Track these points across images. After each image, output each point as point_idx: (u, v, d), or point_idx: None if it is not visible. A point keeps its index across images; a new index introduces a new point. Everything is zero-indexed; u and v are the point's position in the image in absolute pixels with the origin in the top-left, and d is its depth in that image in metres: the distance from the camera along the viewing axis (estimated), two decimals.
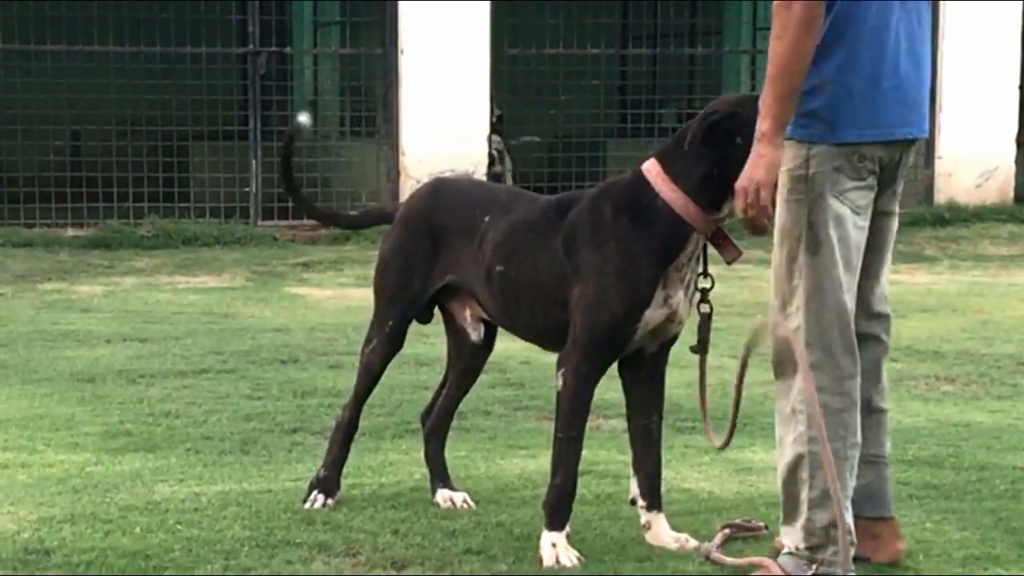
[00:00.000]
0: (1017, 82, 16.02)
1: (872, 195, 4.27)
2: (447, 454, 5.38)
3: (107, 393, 7.18)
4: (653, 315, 4.58)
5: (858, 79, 4.17)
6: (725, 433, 4.74)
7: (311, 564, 4.54)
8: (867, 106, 4.19)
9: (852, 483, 4.30)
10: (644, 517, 4.84)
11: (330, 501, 5.14)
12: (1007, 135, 15.92)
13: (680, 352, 4.90)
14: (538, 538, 4.64)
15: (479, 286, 4.91)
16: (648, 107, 16.29)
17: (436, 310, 5.19)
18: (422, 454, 5.38)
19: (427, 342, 7.27)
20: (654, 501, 4.83)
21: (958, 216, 15.15)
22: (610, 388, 5.40)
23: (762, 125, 4.19)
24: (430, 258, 5.03)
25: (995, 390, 7.49)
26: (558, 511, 4.62)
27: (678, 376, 6.04)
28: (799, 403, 4.25)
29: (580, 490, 4.79)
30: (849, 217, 4.22)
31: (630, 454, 4.94)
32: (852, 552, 4.33)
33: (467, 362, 5.30)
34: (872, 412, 4.50)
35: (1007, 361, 8.19)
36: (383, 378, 5.26)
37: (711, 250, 4.65)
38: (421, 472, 5.41)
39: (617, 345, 4.63)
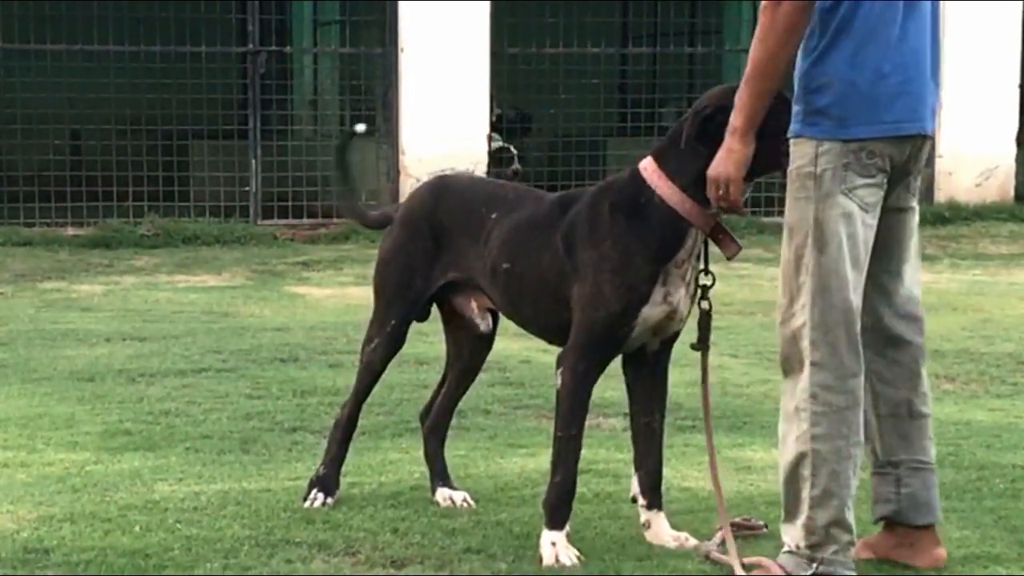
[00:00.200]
0: (1017, 81, 16.03)
1: (881, 193, 4.26)
2: (447, 453, 5.38)
3: (107, 392, 7.18)
4: (652, 313, 4.58)
5: (864, 76, 4.17)
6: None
7: (311, 563, 4.54)
8: (874, 103, 4.19)
9: (855, 482, 4.30)
10: (644, 515, 4.83)
11: (329, 500, 5.14)
12: (1007, 134, 15.93)
13: (680, 351, 4.89)
14: (538, 537, 4.63)
15: (485, 283, 4.91)
16: (648, 106, 16.29)
17: (435, 308, 5.18)
18: (421, 453, 5.38)
19: (427, 341, 7.27)
20: (654, 499, 4.83)
21: (958, 215, 15.16)
22: (609, 387, 5.40)
23: (735, 120, 4.26)
24: (431, 257, 5.02)
25: (995, 389, 7.49)
26: (558, 510, 4.62)
27: (678, 375, 6.03)
28: (803, 401, 4.25)
29: (580, 489, 4.79)
30: (858, 214, 4.22)
31: (631, 452, 4.93)
32: (852, 552, 4.34)
33: (467, 361, 5.30)
34: (914, 417, 4.49)
35: (1007, 360, 8.19)
36: (383, 377, 5.26)
37: (713, 248, 4.65)
38: (421, 471, 5.41)
39: (615, 343, 4.62)
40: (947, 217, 14.96)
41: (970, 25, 14.81)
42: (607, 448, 5.99)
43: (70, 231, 13.82)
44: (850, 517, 4.28)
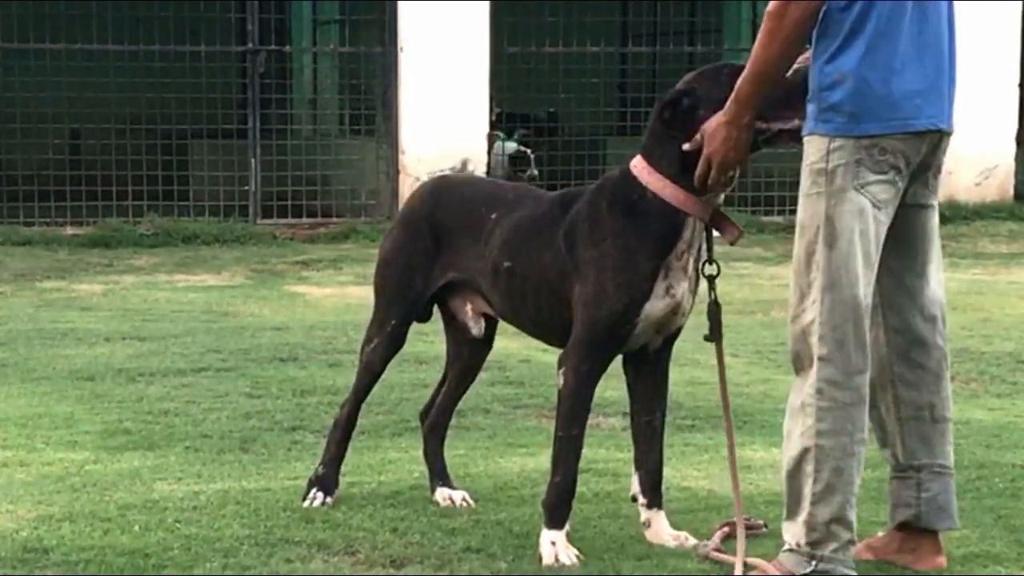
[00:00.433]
0: (1017, 80, 16.03)
1: (894, 190, 4.26)
2: (446, 452, 5.37)
3: (106, 391, 7.18)
4: (654, 308, 4.57)
5: (877, 74, 4.17)
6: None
7: (310, 562, 4.54)
8: (887, 100, 4.18)
9: (858, 480, 4.29)
10: (644, 515, 4.83)
11: (329, 499, 5.14)
12: (1007, 133, 15.93)
13: (680, 350, 4.89)
14: (537, 536, 4.63)
15: (485, 283, 4.90)
16: (648, 105, 16.16)
17: (435, 308, 5.18)
18: (421, 452, 5.38)
19: (427, 340, 7.27)
20: (655, 498, 4.83)
21: (958, 214, 15.16)
22: (609, 386, 5.40)
23: (738, 113, 4.29)
24: (432, 257, 5.02)
25: (995, 388, 7.49)
26: (558, 509, 4.62)
27: (678, 374, 6.04)
28: (809, 396, 4.24)
29: (580, 488, 4.79)
30: (870, 211, 4.22)
31: (631, 451, 4.93)
32: (852, 551, 4.34)
33: (467, 360, 5.29)
34: (936, 421, 4.49)
35: (1007, 359, 8.19)
36: (382, 376, 5.26)
37: (716, 250, 4.65)
38: (420, 470, 5.41)
39: (617, 342, 4.62)
40: (947, 216, 14.92)
41: (970, 24, 14.80)
42: (607, 447, 5.99)
43: (69, 230, 13.82)
44: (851, 515, 4.28)
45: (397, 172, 14.58)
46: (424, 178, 9.87)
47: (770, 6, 4.18)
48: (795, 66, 4.36)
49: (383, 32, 14.91)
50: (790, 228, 4.42)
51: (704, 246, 4.63)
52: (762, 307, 10.28)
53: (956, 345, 8.41)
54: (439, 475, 5.28)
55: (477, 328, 5.10)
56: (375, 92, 15.36)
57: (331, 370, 7.65)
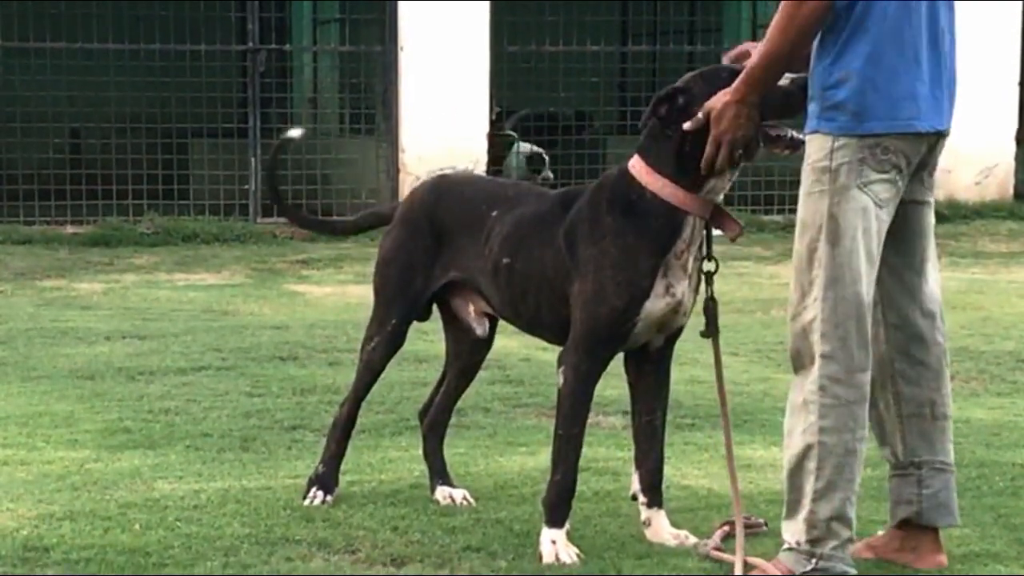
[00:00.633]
0: (1017, 79, 16.03)
1: (895, 189, 4.26)
2: (447, 451, 5.38)
3: (106, 390, 7.18)
4: (655, 307, 4.57)
5: (882, 73, 4.18)
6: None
7: (311, 561, 4.54)
8: (890, 99, 4.19)
9: (858, 478, 4.29)
10: (644, 513, 4.83)
11: (329, 498, 5.14)
12: (1007, 132, 15.93)
13: (681, 348, 4.89)
14: (538, 535, 4.63)
15: (485, 281, 4.90)
16: (648, 104, 16.24)
17: (435, 307, 5.18)
18: (421, 451, 5.38)
19: (427, 339, 7.27)
20: (655, 497, 4.83)
21: (958, 213, 15.16)
22: (609, 385, 5.40)
23: (747, 93, 4.29)
24: (432, 256, 5.02)
25: (994, 387, 7.49)
26: (558, 508, 4.62)
27: (678, 372, 6.02)
28: (811, 393, 4.24)
29: (580, 487, 4.79)
30: (872, 209, 4.22)
31: (631, 449, 4.93)
32: (851, 549, 4.34)
33: (466, 359, 5.29)
34: (937, 418, 4.50)
35: (1007, 358, 8.19)
36: (382, 375, 5.25)
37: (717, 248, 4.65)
38: (420, 469, 5.41)
39: (617, 340, 4.62)
40: (946, 215, 14.94)
41: (970, 24, 14.80)
42: (607, 446, 5.99)
43: (70, 229, 13.81)
44: (852, 513, 4.28)
45: (397, 171, 14.57)
46: (424, 177, 9.87)
47: None
48: (792, 76, 4.37)
49: (383, 31, 14.91)
50: (790, 227, 4.42)
51: (703, 244, 4.63)
52: (762, 306, 10.28)
53: (956, 344, 8.41)
54: (439, 474, 5.28)
55: (481, 329, 5.10)
56: (375, 91, 15.36)
57: (331, 369, 7.65)
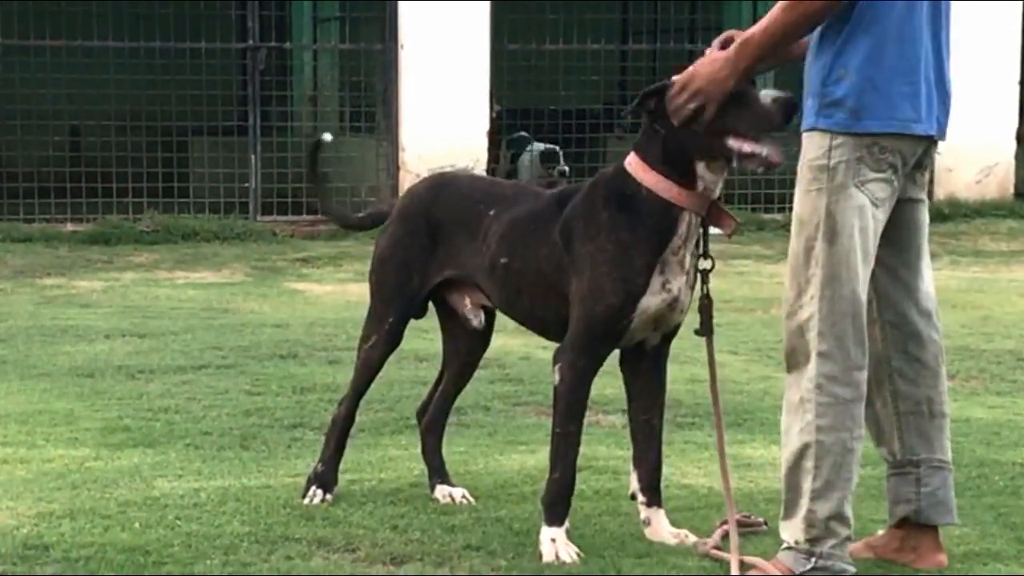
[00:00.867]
0: (1017, 77, 16.03)
1: (891, 190, 4.26)
2: (446, 450, 5.38)
3: (106, 388, 7.18)
4: (651, 303, 4.56)
5: (881, 73, 4.18)
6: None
7: (310, 560, 4.54)
8: (888, 99, 4.19)
9: (856, 477, 4.29)
10: (644, 513, 4.83)
11: (328, 496, 5.14)
12: (1007, 130, 15.93)
13: (680, 347, 4.89)
14: (538, 534, 4.63)
15: (482, 279, 4.90)
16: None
17: (431, 305, 5.18)
18: (419, 450, 5.38)
19: (426, 337, 7.26)
20: (654, 497, 4.83)
21: (958, 212, 15.16)
22: (609, 384, 5.40)
23: (743, 64, 4.30)
24: (428, 254, 5.02)
25: (995, 386, 7.49)
26: (557, 506, 4.62)
27: (678, 371, 6.04)
28: (808, 392, 4.24)
29: (579, 486, 4.79)
30: (869, 208, 4.22)
31: (630, 449, 4.93)
32: (849, 548, 4.34)
33: (464, 357, 5.29)
34: (934, 416, 4.50)
35: (1007, 357, 8.19)
36: (382, 373, 5.26)
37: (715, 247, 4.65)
38: (420, 468, 5.41)
39: (613, 337, 4.61)
40: (947, 214, 14.96)
41: (970, 21, 14.81)
42: (607, 445, 5.99)
43: (70, 227, 13.81)
44: (849, 512, 4.29)
45: (397, 169, 14.57)
46: (424, 175, 9.86)
47: None
48: (776, 94, 4.35)
49: (383, 29, 14.91)
50: (789, 225, 4.41)
51: (700, 241, 4.62)
52: (761, 304, 10.28)
53: (956, 343, 8.42)
54: (438, 472, 5.28)
55: (477, 320, 5.10)
56: (375, 89, 15.35)
57: (331, 367, 7.65)
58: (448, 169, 12.94)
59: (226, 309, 10.10)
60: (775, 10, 4.24)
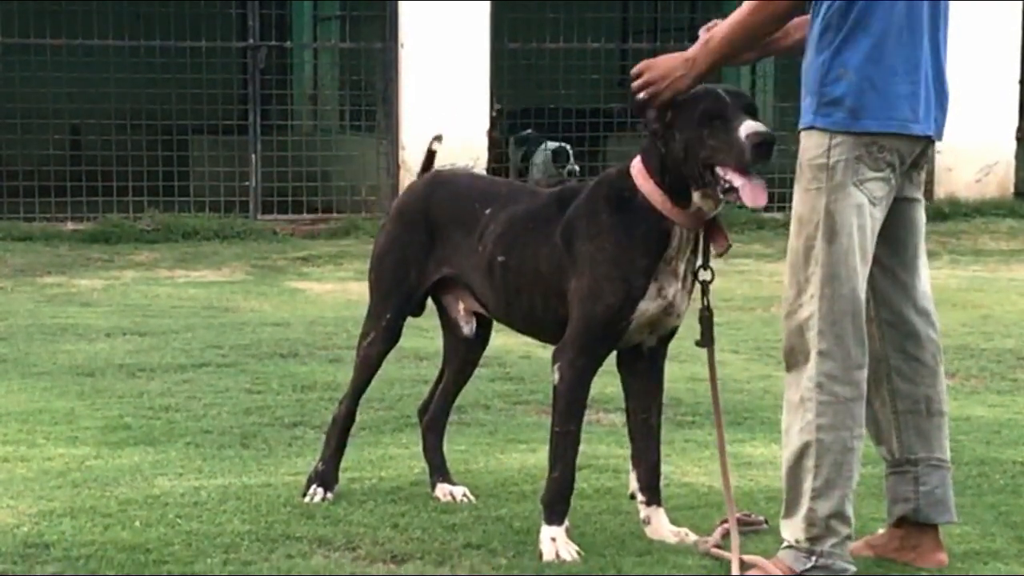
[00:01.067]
0: (1017, 76, 16.02)
1: (889, 188, 4.27)
2: (447, 448, 5.38)
3: (107, 387, 7.18)
4: (647, 307, 4.56)
5: (880, 72, 4.18)
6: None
7: (311, 558, 4.54)
8: (887, 99, 4.19)
9: (856, 476, 4.30)
10: (644, 512, 4.83)
11: (329, 495, 5.14)
12: (1007, 129, 15.92)
13: (681, 346, 4.89)
14: (538, 532, 4.63)
15: (478, 278, 4.90)
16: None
17: (430, 303, 5.18)
18: (420, 448, 5.38)
19: (426, 336, 7.27)
20: (653, 496, 4.83)
21: (958, 211, 15.15)
22: (609, 382, 5.40)
23: (701, 62, 4.36)
24: (426, 251, 5.02)
25: (995, 385, 7.49)
26: (557, 505, 4.62)
27: (678, 370, 6.05)
28: (808, 391, 4.24)
29: (580, 484, 4.79)
30: (867, 207, 4.22)
31: (629, 448, 4.93)
32: (850, 546, 4.34)
33: (464, 355, 5.29)
34: (932, 415, 4.50)
35: (1007, 356, 8.19)
36: (382, 372, 5.26)
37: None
38: (421, 466, 5.41)
39: (612, 338, 4.61)
40: (947, 213, 14.95)
41: (970, 20, 14.81)
42: (607, 444, 5.99)
43: (70, 226, 13.81)
44: (850, 510, 4.29)
45: (397, 168, 14.57)
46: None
47: None
48: (754, 130, 4.31)
49: (384, 28, 14.91)
50: (789, 224, 4.41)
51: (700, 251, 4.61)
52: (762, 303, 10.27)
53: (956, 342, 8.42)
54: (439, 471, 5.28)
55: (468, 328, 5.12)
56: (376, 88, 15.35)
57: (331, 366, 7.65)
58: (447, 167, 12.95)
59: (226, 308, 10.10)
60: (741, 11, 4.26)
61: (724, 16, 4.39)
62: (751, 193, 4.35)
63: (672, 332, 4.74)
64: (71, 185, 14.23)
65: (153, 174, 14.72)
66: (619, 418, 6.34)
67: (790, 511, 4.32)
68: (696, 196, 4.46)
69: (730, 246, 4.58)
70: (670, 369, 4.89)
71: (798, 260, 4.28)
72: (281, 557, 4.53)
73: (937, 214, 14.75)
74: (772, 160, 4.40)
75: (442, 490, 5.22)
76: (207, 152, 15.49)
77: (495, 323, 5.17)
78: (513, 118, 16.82)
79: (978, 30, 14.94)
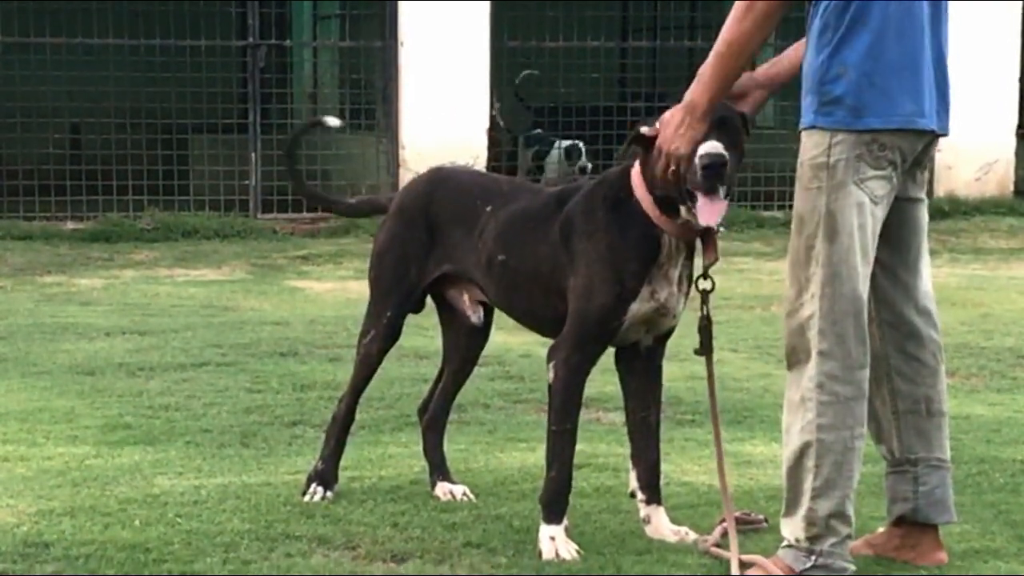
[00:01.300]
0: (1017, 74, 16.02)
1: (890, 187, 4.26)
2: (447, 447, 5.38)
3: (106, 386, 7.18)
4: (639, 308, 4.56)
5: (880, 69, 4.17)
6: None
7: (311, 557, 4.54)
8: (888, 95, 4.18)
9: (857, 475, 4.29)
10: (643, 511, 4.83)
11: (329, 493, 5.14)
12: (1007, 128, 15.92)
13: (681, 345, 4.88)
14: (538, 531, 4.63)
15: (479, 275, 4.90)
16: (648, 100, 16.27)
17: (429, 300, 5.18)
18: (420, 447, 5.38)
19: (426, 335, 7.27)
20: (653, 494, 4.82)
21: (958, 209, 15.15)
22: (609, 381, 5.40)
23: (697, 97, 4.28)
24: (427, 248, 5.02)
25: (995, 383, 7.49)
26: (555, 504, 4.61)
27: (678, 369, 6.05)
28: (809, 391, 4.24)
29: (579, 483, 4.79)
30: (868, 206, 4.22)
31: (629, 447, 4.93)
32: (850, 545, 4.34)
33: (463, 353, 5.29)
34: (932, 415, 4.49)
35: (1007, 354, 8.19)
36: (382, 371, 5.26)
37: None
38: (420, 465, 5.41)
39: (606, 336, 4.61)
40: (946, 211, 14.95)
41: (970, 18, 14.81)
42: (607, 442, 5.99)
43: (70, 225, 13.81)
44: (851, 510, 4.28)
45: (397, 167, 14.57)
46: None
47: None
48: (706, 151, 4.28)
49: (383, 27, 14.90)
50: (789, 223, 4.40)
51: (696, 255, 4.60)
52: (762, 302, 10.28)
53: (956, 340, 8.42)
54: (439, 469, 5.29)
55: (476, 316, 5.10)
56: (375, 87, 15.35)
57: (331, 364, 7.65)
58: (447, 165, 12.95)
59: (226, 307, 10.10)
60: (725, 28, 4.22)
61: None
62: (703, 212, 4.35)
63: (669, 332, 4.74)
64: (71, 184, 14.22)
65: (153, 173, 14.71)
66: (619, 417, 6.33)
67: (790, 510, 4.32)
68: (683, 210, 4.46)
69: (717, 259, 4.57)
70: (670, 368, 4.89)
71: (799, 259, 4.27)
72: (281, 556, 4.53)
73: (937, 212, 14.73)
74: (771, 160, 4.40)
75: (442, 489, 5.22)
76: (207, 151, 15.48)
77: (494, 322, 5.17)
78: (541, 115, 16.73)
79: (978, 28, 14.94)
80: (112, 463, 5.73)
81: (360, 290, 9.73)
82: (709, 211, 4.35)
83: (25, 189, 14.07)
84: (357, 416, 5.33)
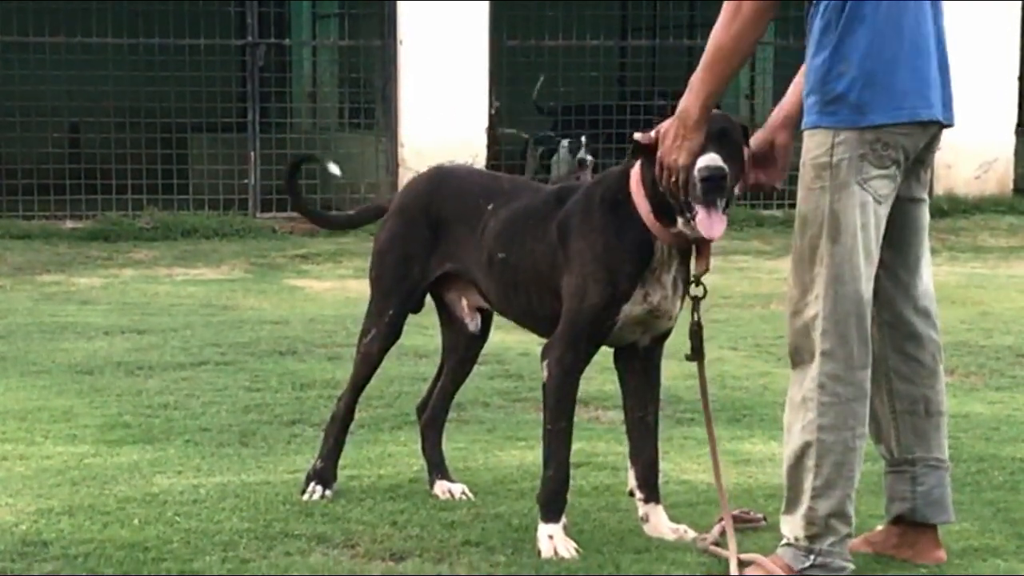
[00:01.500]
0: (1017, 73, 16.02)
1: (893, 185, 4.25)
2: (446, 446, 5.38)
3: (105, 385, 7.18)
4: (632, 310, 4.56)
5: (881, 64, 4.16)
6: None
7: (309, 556, 4.54)
8: (890, 90, 4.17)
9: (857, 475, 4.29)
10: (642, 509, 4.83)
11: (328, 492, 5.14)
12: (1007, 126, 15.93)
13: (680, 344, 4.88)
14: (537, 529, 4.63)
15: (479, 273, 4.90)
16: (647, 99, 16.27)
17: (429, 299, 5.18)
18: (419, 446, 5.38)
19: (426, 334, 7.27)
20: (651, 493, 4.82)
21: (957, 207, 15.16)
22: (608, 380, 5.40)
23: (691, 106, 4.26)
24: (428, 247, 5.02)
25: (994, 381, 7.49)
26: (552, 503, 4.61)
27: (677, 368, 6.04)
28: (811, 391, 4.24)
29: (578, 481, 4.79)
30: (871, 205, 4.21)
31: (627, 446, 4.93)
32: (849, 544, 4.34)
33: (462, 352, 5.29)
34: (931, 415, 4.49)
35: (1006, 352, 8.19)
36: (381, 370, 5.25)
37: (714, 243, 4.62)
38: (419, 464, 5.41)
39: (599, 335, 4.60)
40: (946, 210, 14.96)
41: (970, 16, 14.82)
42: (606, 441, 5.99)
43: (69, 224, 13.81)
44: (851, 510, 4.28)
45: (397, 166, 14.58)
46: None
47: None
48: (706, 163, 4.26)
49: (383, 26, 14.91)
50: (789, 222, 4.41)
51: (691, 263, 4.59)
52: (761, 300, 10.28)
53: (955, 339, 8.42)
54: (438, 468, 5.28)
55: (473, 324, 5.11)
56: (375, 86, 15.36)
57: (331, 363, 7.65)
58: (447, 164, 12.95)
59: (225, 306, 10.10)
60: (713, 34, 4.22)
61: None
62: (703, 225, 4.35)
63: (666, 333, 4.74)
64: (70, 183, 14.23)
65: (152, 172, 14.72)
66: (617, 415, 6.33)
67: (790, 509, 4.32)
68: (679, 220, 4.45)
69: (708, 269, 4.57)
70: (669, 367, 4.89)
71: (803, 260, 4.27)
72: (280, 555, 4.53)
73: (936, 211, 14.73)
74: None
75: (441, 487, 5.22)
76: (206, 150, 15.49)
77: (493, 320, 5.17)
78: (568, 113, 16.70)
79: (978, 28, 14.94)
80: (111, 462, 5.73)
81: (360, 289, 9.73)
82: (709, 224, 4.34)
83: (24, 188, 14.08)
84: (356, 415, 5.33)
